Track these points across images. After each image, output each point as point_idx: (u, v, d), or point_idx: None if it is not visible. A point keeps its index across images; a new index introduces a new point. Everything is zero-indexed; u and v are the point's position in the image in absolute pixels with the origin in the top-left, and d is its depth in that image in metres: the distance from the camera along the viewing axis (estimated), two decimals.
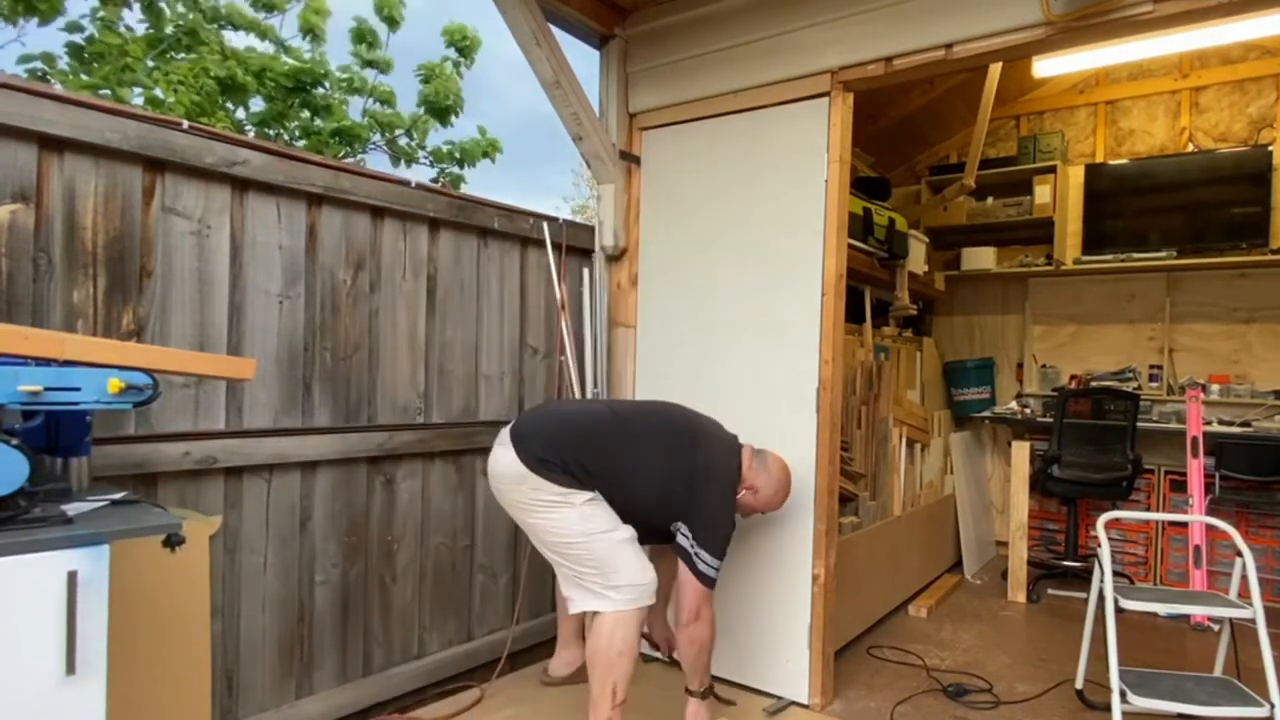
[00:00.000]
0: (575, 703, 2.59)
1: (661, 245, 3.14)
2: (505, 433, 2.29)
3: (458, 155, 7.38)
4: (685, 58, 3.02)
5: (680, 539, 2.28)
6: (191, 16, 5.85)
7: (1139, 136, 4.67)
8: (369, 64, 6.90)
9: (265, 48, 6.48)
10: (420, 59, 7.07)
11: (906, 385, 4.27)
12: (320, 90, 6.53)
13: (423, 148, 7.31)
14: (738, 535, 2.42)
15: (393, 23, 6.86)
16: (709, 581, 2.27)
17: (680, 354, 3.05)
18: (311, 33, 6.60)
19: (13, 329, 1.43)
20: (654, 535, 2.33)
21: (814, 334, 2.70)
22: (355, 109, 6.93)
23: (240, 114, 6.29)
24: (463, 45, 7.13)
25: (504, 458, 2.24)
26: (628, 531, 2.25)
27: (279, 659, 2.27)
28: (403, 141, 7.23)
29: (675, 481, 2.29)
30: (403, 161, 7.18)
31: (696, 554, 2.25)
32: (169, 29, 5.75)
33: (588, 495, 2.21)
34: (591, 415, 2.40)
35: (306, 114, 6.56)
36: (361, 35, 6.81)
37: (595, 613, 2.21)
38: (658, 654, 2.88)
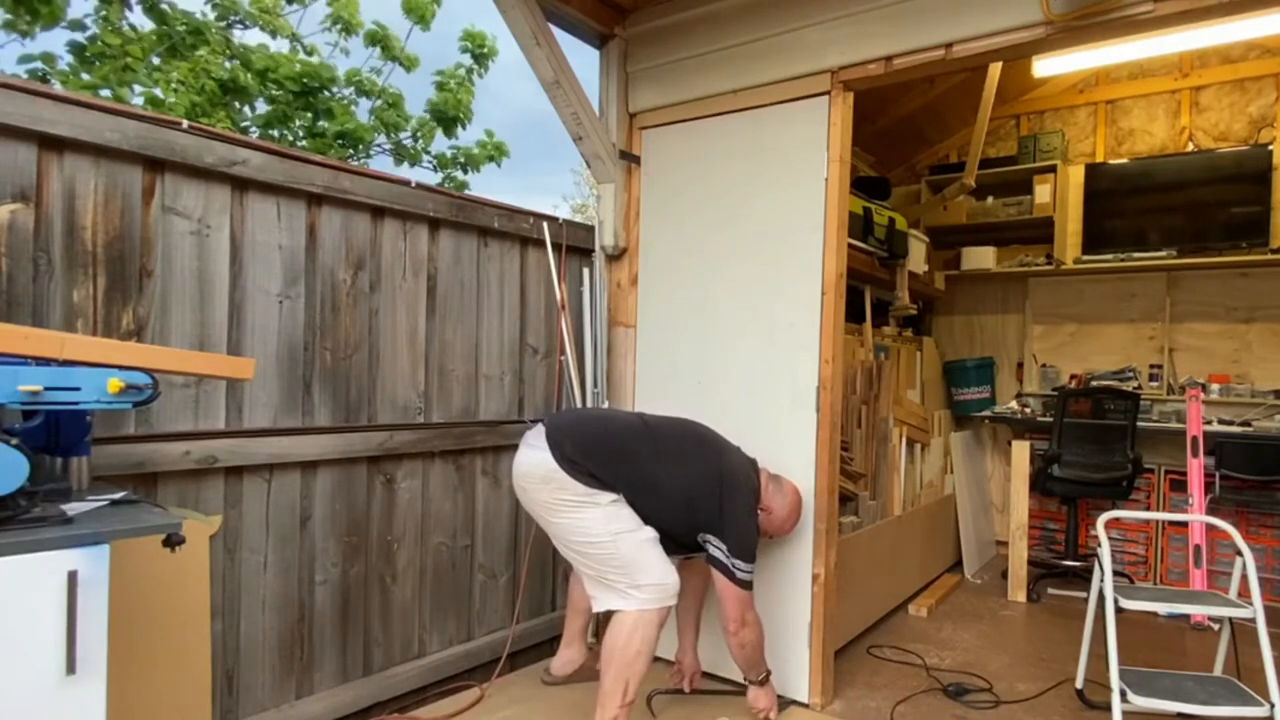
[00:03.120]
0: (576, 702, 2.59)
1: (661, 245, 3.14)
2: (533, 435, 2.31)
3: (462, 160, 7.35)
4: (685, 57, 3.02)
5: (714, 550, 2.29)
6: (199, 16, 5.81)
7: (1139, 136, 4.66)
8: (391, 59, 6.84)
9: (279, 45, 6.43)
10: (434, 62, 7.05)
11: (906, 385, 4.26)
12: (325, 94, 6.48)
13: (427, 153, 7.29)
14: None
15: (424, 22, 6.79)
16: (748, 586, 2.31)
17: (680, 353, 3.05)
18: (345, 25, 6.52)
19: (13, 328, 1.43)
20: (672, 545, 2.34)
21: (814, 333, 2.69)
22: (364, 111, 6.89)
23: (246, 113, 6.26)
24: (479, 53, 7.08)
25: (531, 458, 2.26)
26: (652, 532, 2.26)
27: (279, 658, 2.28)
28: (408, 143, 7.19)
29: (702, 490, 2.31)
30: (406, 162, 7.14)
31: (734, 564, 2.28)
32: (179, 27, 5.71)
33: (612, 496, 2.23)
34: (625, 422, 2.45)
35: (310, 116, 6.53)
36: (375, 39, 6.77)
37: (614, 611, 2.22)
38: (681, 687, 2.71)
